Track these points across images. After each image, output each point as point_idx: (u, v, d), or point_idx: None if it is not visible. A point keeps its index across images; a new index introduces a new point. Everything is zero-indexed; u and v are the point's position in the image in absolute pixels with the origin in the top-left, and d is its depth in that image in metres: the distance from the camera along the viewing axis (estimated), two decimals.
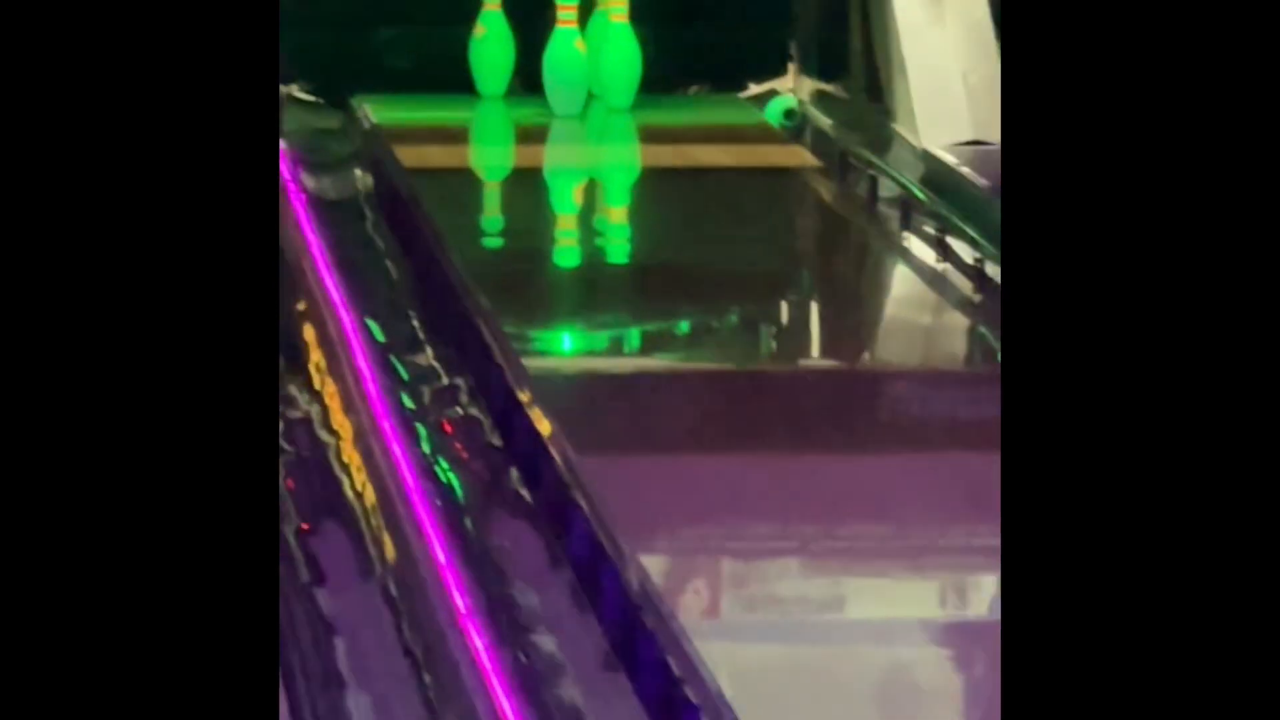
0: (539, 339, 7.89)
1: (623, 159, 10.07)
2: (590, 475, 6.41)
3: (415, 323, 7.80)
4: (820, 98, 10.10)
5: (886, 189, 9.33)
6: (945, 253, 8.83)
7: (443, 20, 10.15)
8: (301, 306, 7.92)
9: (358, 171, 9.33)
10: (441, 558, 5.98)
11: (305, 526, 6.59)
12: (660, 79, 10.12)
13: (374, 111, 9.86)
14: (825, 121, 9.96)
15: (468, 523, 6.33)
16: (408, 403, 7.04)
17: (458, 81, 10.10)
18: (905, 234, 9.13)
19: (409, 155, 9.48)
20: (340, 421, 7.02)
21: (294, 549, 6.34)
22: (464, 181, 9.66)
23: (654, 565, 5.89)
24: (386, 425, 6.80)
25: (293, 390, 7.36)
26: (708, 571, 6.38)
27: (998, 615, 6.51)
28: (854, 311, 9.24)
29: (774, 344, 8.74)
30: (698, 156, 9.88)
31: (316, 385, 7.33)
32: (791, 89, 10.23)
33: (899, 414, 8.32)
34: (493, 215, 9.59)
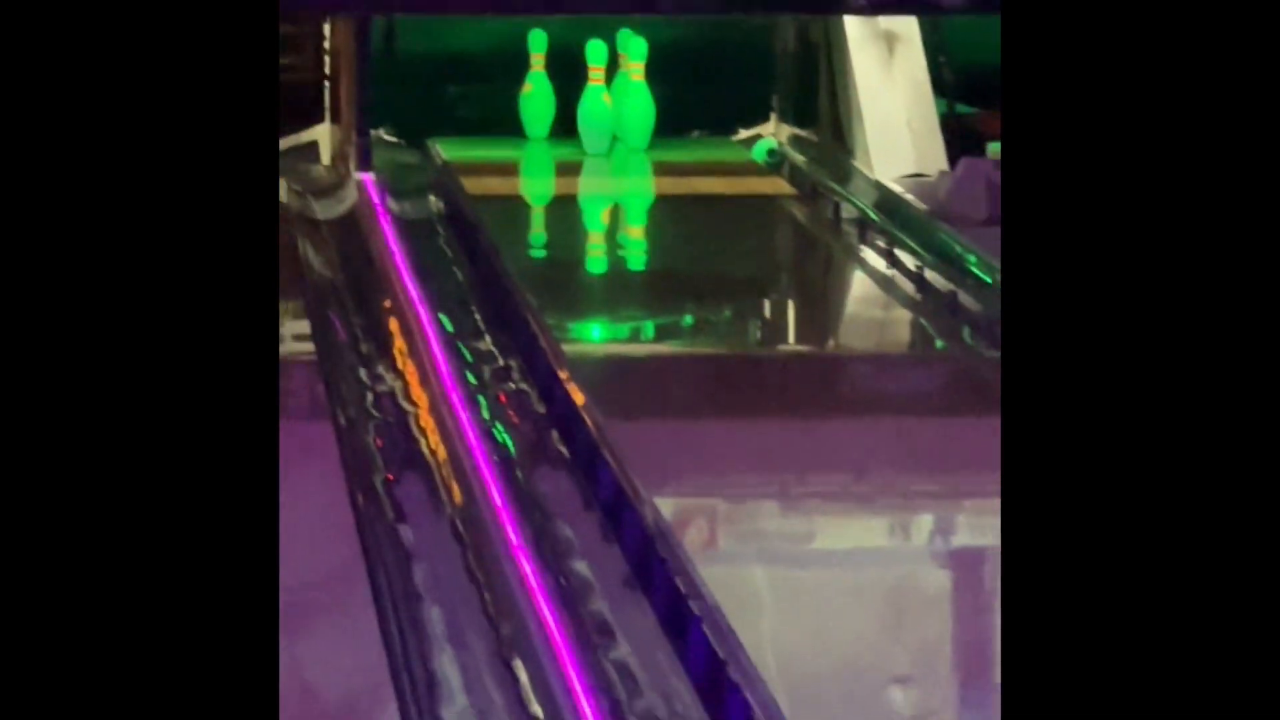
0: (574, 329, 7.94)
1: (640, 189, 10.10)
2: (614, 436, 6.44)
3: (477, 316, 7.82)
4: (795, 140, 10.13)
5: (847, 212, 9.35)
6: (893, 261, 8.85)
7: (499, 79, 10.14)
8: (387, 304, 7.99)
9: (431, 198, 9.32)
10: (497, 500, 6.05)
11: (390, 477, 6.56)
12: (669, 125, 10.13)
13: (444, 150, 9.86)
14: (799, 159, 9.99)
15: (518, 473, 6.38)
16: (471, 379, 7.11)
17: (511, 127, 10.10)
18: (862, 247, 9.12)
19: (472, 185, 9.51)
20: (418, 394, 7.05)
21: (381, 494, 6.33)
22: (515, 206, 9.69)
23: (665, 506, 5.91)
24: (455, 396, 6.85)
25: (381, 370, 7.38)
26: (707, 512, 6.42)
27: (937, 544, 7.08)
28: (821, 307, 9.32)
29: (760, 333, 8.80)
30: (699, 186, 9.94)
31: (399, 366, 7.36)
32: (773, 133, 10.25)
33: (857, 387, 8.41)
34: (537, 232, 9.61)
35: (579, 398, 6.84)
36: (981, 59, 9.77)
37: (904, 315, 8.75)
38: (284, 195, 9.65)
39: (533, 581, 5.50)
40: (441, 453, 6.63)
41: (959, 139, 9.53)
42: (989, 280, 8.16)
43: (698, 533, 6.15)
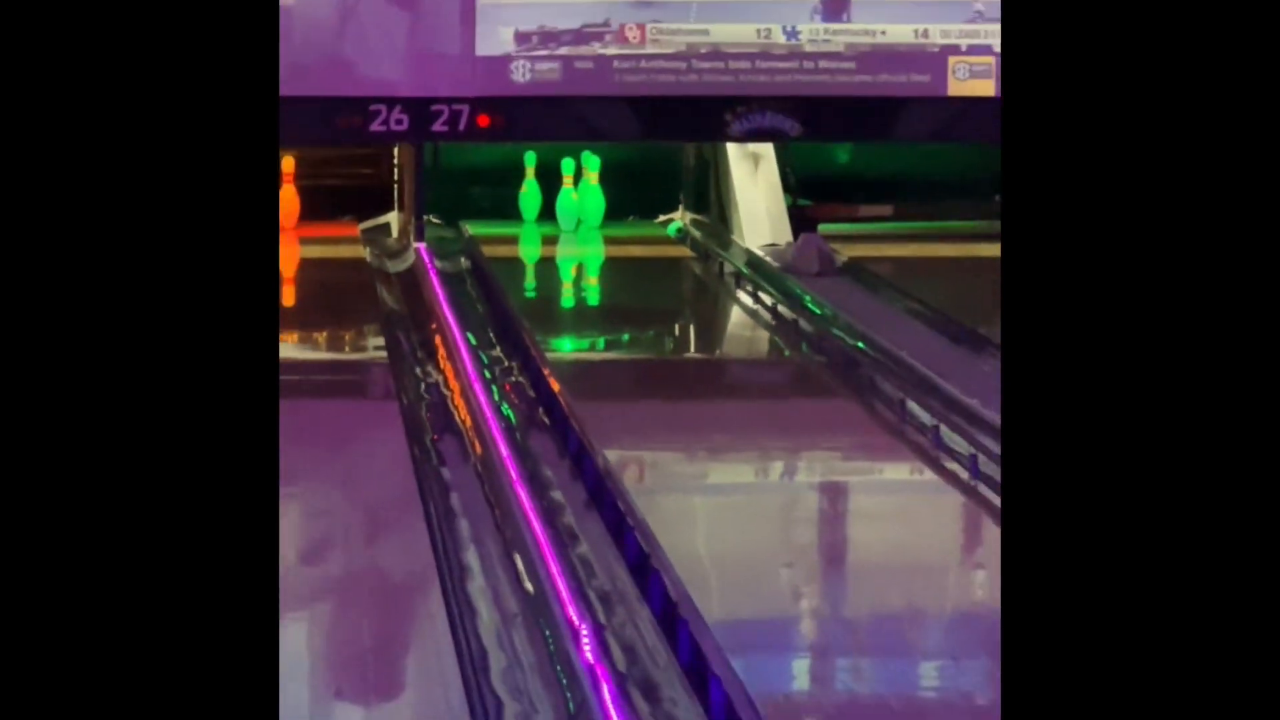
0: (553, 343, 7.95)
1: (595, 254, 10.06)
2: (579, 411, 6.57)
3: (490, 334, 7.85)
4: (695, 222, 9.99)
5: (728, 268, 9.21)
6: (757, 300, 8.84)
7: (505, 183, 10.05)
8: (433, 326, 7.96)
9: (462, 259, 9.21)
10: (504, 452, 6.16)
11: (435, 437, 6.64)
12: (614, 213, 10.09)
13: (470, 228, 9.63)
14: (697, 234, 9.78)
15: (517, 435, 6.48)
16: (486, 374, 7.13)
17: (513, 213, 10.02)
18: (737, 291, 9.03)
19: (488, 250, 9.39)
20: (453, 384, 7.13)
21: (429, 447, 6.45)
22: (515, 264, 9.54)
23: (611, 456, 6.03)
24: (477, 385, 6.96)
25: (429, 368, 7.46)
26: (638, 460, 6.47)
27: (792, 479, 6.99)
28: (711, 329, 9.09)
29: (672, 345, 8.80)
30: (632, 252, 9.80)
31: (441, 365, 7.42)
32: (680, 218, 10.20)
33: (735, 379, 8.39)
34: (529, 281, 9.44)
35: (555, 386, 7.02)
36: (814, 169, 10.07)
37: (764, 334, 8.76)
38: (367, 256, 9.68)
39: (526, 504, 5.65)
40: (468, 421, 6.73)
41: (798, 221, 9.53)
42: (819, 311, 8.24)
43: (632, 474, 6.22)
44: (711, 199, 10.06)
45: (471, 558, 5.35)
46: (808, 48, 9.33)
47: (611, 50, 9.26)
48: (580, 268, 9.91)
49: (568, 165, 10.05)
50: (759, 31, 9.29)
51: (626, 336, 8.81)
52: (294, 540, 5.98)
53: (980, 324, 7.94)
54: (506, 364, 7.53)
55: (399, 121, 9.38)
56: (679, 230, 10.17)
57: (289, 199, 10.03)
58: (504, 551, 5.35)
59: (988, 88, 9.32)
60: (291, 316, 8.99)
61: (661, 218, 10.34)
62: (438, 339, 7.86)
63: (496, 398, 6.85)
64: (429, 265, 9.00)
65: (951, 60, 9.37)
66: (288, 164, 10.00)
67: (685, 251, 9.98)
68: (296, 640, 5.13)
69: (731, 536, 6.02)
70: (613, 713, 3.94)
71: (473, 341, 7.68)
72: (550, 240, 10.07)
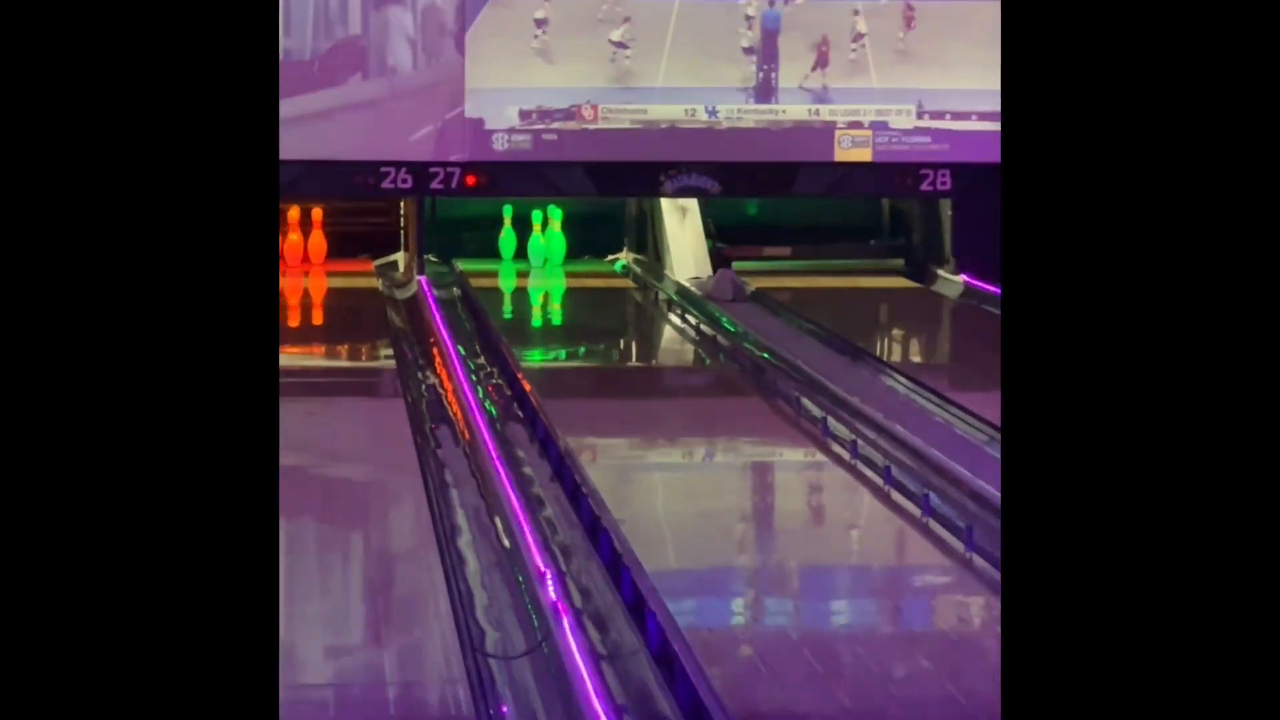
0: (525, 353, 7.92)
1: (558, 284, 10.08)
2: (545, 406, 6.54)
3: (476, 345, 7.83)
4: (635, 260, 10.03)
5: (662, 296, 9.19)
6: (684, 320, 8.80)
7: (488, 229, 10.07)
8: (431, 340, 7.89)
9: (454, 289, 9.27)
10: (486, 438, 6.10)
11: (433, 426, 6.52)
12: (573, 253, 10.12)
13: (461, 265, 9.65)
14: (638, 270, 9.81)
15: (497, 425, 6.40)
16: (473, 377, 7.08)
17: (494, 253, 10.04)
18: (669, 314, 9.02)
19: (475, 281, 9.36)
20: (446, 384, 7.10)
21: (428, 435, 6.35)
22: (495, 293, 9.56)
23: (571, 442, 5.98)
24: (465, 386, 6.90)
25: (428, 372, 7.41)
26: (591, 445, 6.37)
27: (717, 459, 6.85)
28: (649, 343, 9.03)
29: (618, 355, 8.78)
30: (587, 284, 9.80)
31: (437, 370, 7.40)
32: (624, 256, 10.24)
33: (667, 382, 8.36)
34: (507, 306, 9.44)
35: (527, 387, 6.98)
36: (729, 219, 9.97)
37: (690, 347, 8.68)
38: (380, 286, 9.55)
39: (503, 476, 5.59)
40: (458, 414, 6.65)
41: (716, 259, 9.52)
42: (732, 329, 8.22)
43: (587, 455, 6.10)
44: (648, 242, 10.02)
45: (460, 519, 5.34)
46: (724, 124, 9.32)
47: (571, 125, 9.26)
48: (546, 296, 9.87)
49: (537, 215, 10.05)
50: (686, 111, 9.30)
51: (582, 350, 8.79)
52: (318, 503, 5.98)
53: (858, 339, 7.98)
54: (488, 370, 7.47)
55: (404, 180, 9.34)
56: (623, 267, 10.12)
57: (318, 241, 10.01)
58: (486, 514, 5.32)
59: (865, 155, 9.33)
60: (320, 333, 9.04)
61: (609, 257, 10.30)
62: (435, 350, 7.79)
63: (481, 396, 6.78)
64: (428, 293, 8.97)
65: (837, 133, 9.36)
66: (316, 214, 9.98)
67: (628, 283, 9.94)
68: (315, 581, 5.16)
69: (664, 504, 6.12)
70: (571, 641, 3.95)
71: (462, 352, 7.61)
72: (523, 274, 10.04)
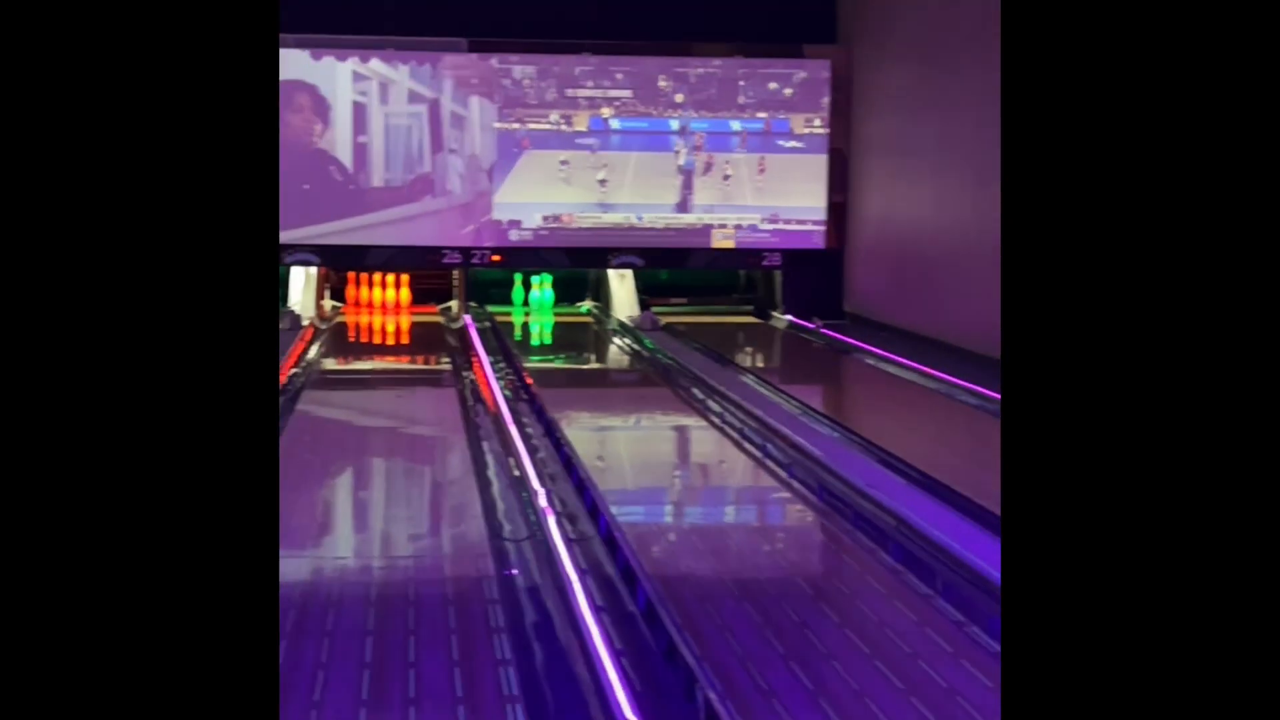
0: (529, 358, 7.78)
1: (548, 320, 9.94)
2: (541, 394, 6.47)
3: (498, 356, 7.65)
4: (595, 305, 9.74)
5: (610, 326, 9.15)
6: (623, 341, 8.65)
7: (505, 287, 9.96)
8: (471, 354, 7.70)
9: (486, 322, 8.98)
10: (505, 412, 5.93)
11: (473, 404, 6.36)
12: (557, 301, 9.95)
13: (490, 308, 9.46)
14: (596, 311, 9.65)
15: (510, 403, 6.22)
16: (496, 375, 6.91)
17: (509, 301, 9.94)
18: (614, 338, 8.86)
19: (498, 318, 9.25)
20: (480, 379, 6.96)
21: (469, 409, 6.21)
22: (510, 325, 9.27)
23: (559, 417, 5.88)
24: (492, 380, 6.76)
25: (468, 373, 7.22)
26: (574, 418, 6.13)
27: (657, 426, 6.60)
28: (602, 355, 8.71)
29: (586, 363, 8.67)
30: (566, 319, 9.63)
31: (474, 371, 7.24)
32: (587, 303, 9.96)
33: (612, 377, 8.16)
34: (517, 332, 9.17)
35: (529, 380, 6.93)
36: (650, 281, 9.70)
37: (626, 357, 8.40)
38: (441, 320, 9.22)
39: (514, 434, 5.43)
40: (488, 396, 6.46)
41: (642, 305, 9.45)
42: (651, 347, 8.08)
43: (566, 420, 5.89)
44: (602, 294, 9.87)
45: (488, 458, 5.22)
46: (646, 225, 9.46)
47: (554, 226, 9.37)
48: (540, 326, 9.68)
49: (534, 279, 9.97)
50: (624, 218, 9.42)
51: (562, 358, 8.70)
52: (404, 449, 5.99)
53: (725, 353, 7.86)
54: (505, 369, 7.29)
55: (455, 257, 9.41)
56: (587, 309, 9.94)
57: (405, 295, 9.97)
58: (504, 455, 5.21)
59: (730, 244, 9.50)
60: (405, 349, 8.84)
61: (579, 303, 10.09)
62: (474, 359, 7.62)
63: (501, 385, 6.62)
64: (470, 325, 8.84)
65: (713, 230, 9.51)
66: (405, 278, 9.93)
67: (589, 319, 9.71)
68: (401, 494, 5.15)
69: (611, 449, 5.97)
70: (554, 530, 3.88)
71: (489, 360, 7.44)
72: (526, 314, 9.88)
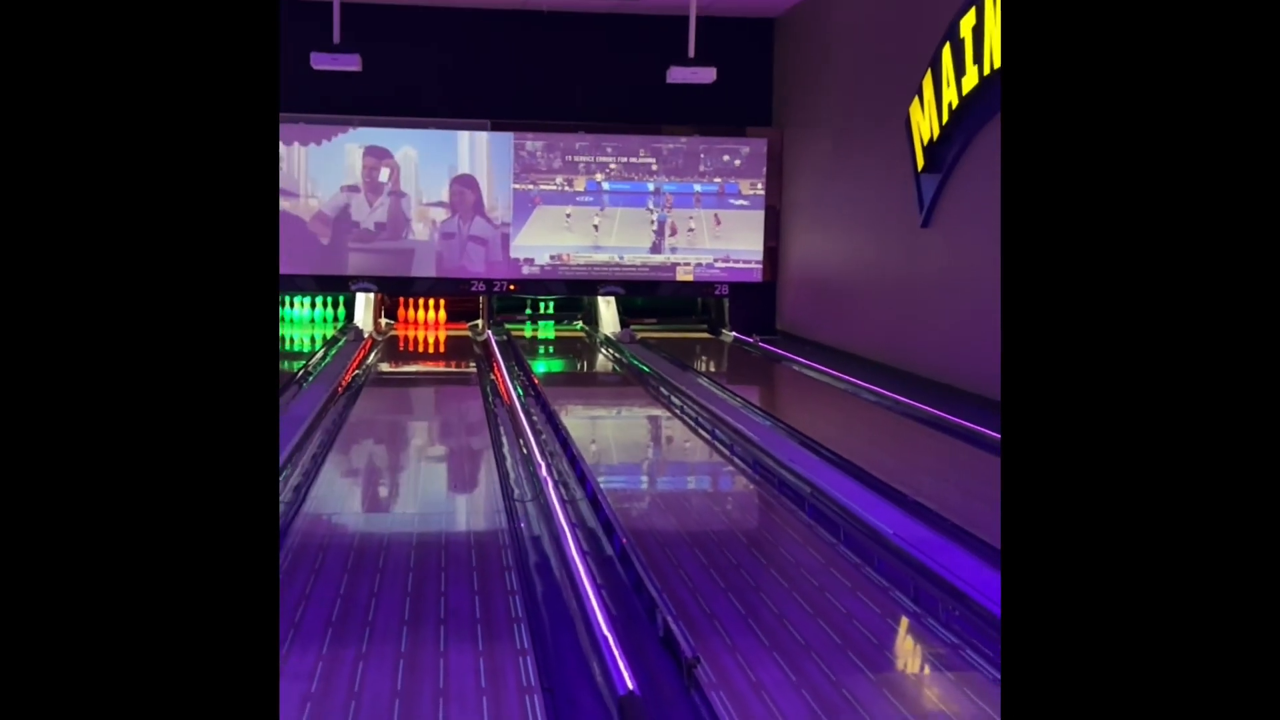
0: (534, 364, 7.75)
1: (551, 333, 9.75)
2: (545, 389, 6.44)
3: (513, 362, 7.57)
4: (585, 323, 9.67)
5: (598, 340, 9.06)
6: (607, 351, 8.56)
7: (519, 310, 9.95)
8: (493, 362, 7.59)
9: (503, 336, 8.84)
10: (517, 405, 5.83)
11: (493, 399, 6.24)
12: (558, 320, 9.93)
13: (508, 326, 9.41)
14: (587, 328, 9.54)
15: (522, 398, 6.13)
16: (509, 377, 6.85)
17: (521, 321, 9.91)
18: (600, 349, 8.76)
19: (513, 332, 9.21)
20: (499, 380, 6.88)
21: (491, 403, 6.11)
22: (523, 340, 9.23)
23: (556, 404, 5.84)
24: (508, 380, 6.69)
25: (491, 375, 7.13)
26: (565, 405, 6.10)
27: (632, 414, 6.46)
28: (591, 362, 8.55)
29: (577, 367, 8.47)
30: (564, 334, 9.55)
31: (495, 374, 7.13)
32: (580, 322, 9.74)
33: (600, 379, 7.96)
34: (528, 345, 9.29)
35: (535, 380, 6.88)
36: (630, 306, 9.61)
37: (610, 364, 8.31)
38: (470, 335, 9.11)
39: (524, 421, 5.35)
40: (504, 393, 6.35)
41: (623, 324, 9.42)
42: (628, 357, 7.98)
43: (563, 410, 5.85)
44: (592, 315, 9.75)
45: (503, 439, 5.17)
46: (626, 262, 9.47)
47: (557, 263, 9.36)
48: (545, 339, 9.61)
49: (541, 303, 9.93)
50: (609, 258, 9.42)
51: (561, 363, 8.57)
52: (438, 433, 5.95)
53: (685, 361, 7.80)
54: (517, 372, 7.19)
55: (481, 287, 9.40)
56: (580, 326, 9.81)
57: (442, 315, 9.92)
58: (515, 436, 5.15)
59: (690, 277, 9.52)
60: (441, 356, 8.72)
61: (574, 322, 9.95)
62: (494, 364, 7.53)
63: (514, 385, 6.54)
64: (491, 339, 8.75)
65: (678, 268, 9.54)
66: (443, 302, 9.88)
67: (582, 334, 9.59)
68: (437, 465, 5.10)
69: (596, 432, 5.90)
70: (553, 495, 3.81)
71: (506, 364, 7.35)
72: (535, 330, 9.79)
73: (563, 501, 3.78)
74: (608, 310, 9.57)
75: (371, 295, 9.48)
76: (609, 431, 6.09)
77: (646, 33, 9.26)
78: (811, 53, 8.79)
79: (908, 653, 2.63)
